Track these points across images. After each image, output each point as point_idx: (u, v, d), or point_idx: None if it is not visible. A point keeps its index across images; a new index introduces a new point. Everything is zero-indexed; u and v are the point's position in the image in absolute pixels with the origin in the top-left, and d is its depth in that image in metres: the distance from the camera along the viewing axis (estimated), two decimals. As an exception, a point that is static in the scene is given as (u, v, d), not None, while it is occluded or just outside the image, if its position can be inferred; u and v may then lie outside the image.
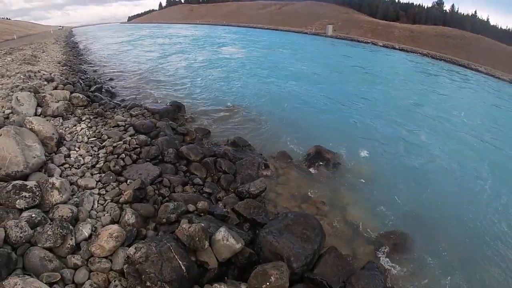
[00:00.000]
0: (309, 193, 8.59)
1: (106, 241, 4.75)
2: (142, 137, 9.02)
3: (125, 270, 4.48)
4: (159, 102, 14.52)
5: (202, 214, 6.37)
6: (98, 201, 6.14)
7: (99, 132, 9.22)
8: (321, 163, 10.21)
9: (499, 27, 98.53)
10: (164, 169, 7.95)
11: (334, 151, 11.04)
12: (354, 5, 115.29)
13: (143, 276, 4.31)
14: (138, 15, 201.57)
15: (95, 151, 8.05)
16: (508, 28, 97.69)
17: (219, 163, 8.80)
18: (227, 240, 5.14)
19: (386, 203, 8.67)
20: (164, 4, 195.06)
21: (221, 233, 5.20)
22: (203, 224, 5.19)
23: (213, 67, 25.91)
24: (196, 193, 7.33)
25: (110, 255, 4.79)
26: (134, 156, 8.04)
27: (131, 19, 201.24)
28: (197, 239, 4.90)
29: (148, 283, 4.28)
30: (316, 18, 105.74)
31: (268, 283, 4.68)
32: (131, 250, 4.54)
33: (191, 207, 6.35)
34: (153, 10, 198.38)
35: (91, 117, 10.42)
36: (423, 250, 7.13)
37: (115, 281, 4.48)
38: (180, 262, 4.57)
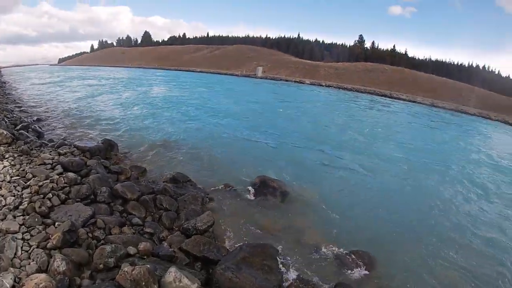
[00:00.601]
0: (260, 223, 8.10)
1: (32, 293, 3.80)
2: (72, 175, 7.97)
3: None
4: (89, 140, 13.42)
5: (145, 256, 5.57)
6: (22, 247, 5.14)
7: (24, 170, 8.10)
8: (267, 192, 9.85)
9: (416, 58, 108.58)
10: (98, 209, 7.00)
11: (279, 179, 10.81)
12: (282, 48, 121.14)
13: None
14: (69, 57, 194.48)
15: (19, 191, 6.97)
16: (424, 58, 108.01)
17: (159, 200, 8.04)
18: (180, 281, 4.47)
19: (338, 224, 8.58)
20: (96, 46, 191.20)
21: (172, 274, 4.52)
22: (148, 266, 4.46)
23: (144, 106, 25.24)
24: (135, 234, 6.49)
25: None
26: (63, 196, 7.03)
27: (61, 61, 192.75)
28: (143, 283, 4.19)
29: None
30: (246, 61, 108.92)
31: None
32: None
33: (131, 250, 5.54)
34: (84, 53, 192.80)
35: (15, 155, 9.25)
36: (386, 265, 7.04)
37: None
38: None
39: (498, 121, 50.50)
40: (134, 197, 7.94)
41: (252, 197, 9.62)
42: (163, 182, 9.65)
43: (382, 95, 63.40)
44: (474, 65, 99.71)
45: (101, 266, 4.89)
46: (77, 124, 17.09)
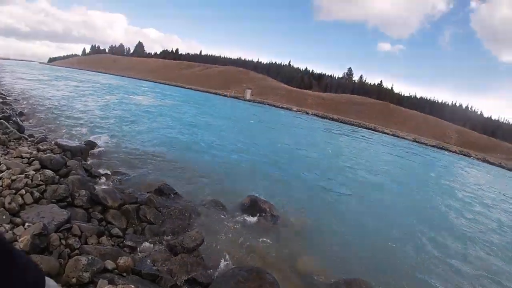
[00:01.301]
0: (252, 246, 7.38)
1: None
2: (49, 173, 7.11)
3: None
4: (71, 140, 12.63)
5: (124, 273, 4.82)
6: (-17, 246, 4.31)
7: None
8: (258, 214, 9.18)
9: (402, 94, 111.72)
10: (74, 214, 6.18)
11: (268, 201, 10.19)
12: (272, 73, 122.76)
13: None
14: (60, 58, 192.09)
15: None
16: (410, 94, 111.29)
17: (143, 211, 7.26)
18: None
19: (331, 250, 8.18)
20: (88, 50, 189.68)
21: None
22: (132, 286, 3.75)
23: (131, 114, 24.68)
24: (115, 247, 5.72)
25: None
26: (37, 194, 6.19)
27: (51, 60, 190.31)
28: (124, 307, 3.43)
29: None
30: (236, 82, 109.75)
31: None
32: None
33: (110, 264, 4.78)
34: (76, 55, 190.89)
35: None
36: None
37: None
38: None
39: (479, 159, 51.77)
40: (116, 205, 7.13)
41: (242, 217, 8.91)
42: (148, 192, 8.87)
43: (366, 128, 64.39)
44: (458, 104, 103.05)
45: (74, 280, 4.11)
46: (61, 123, 16.39)
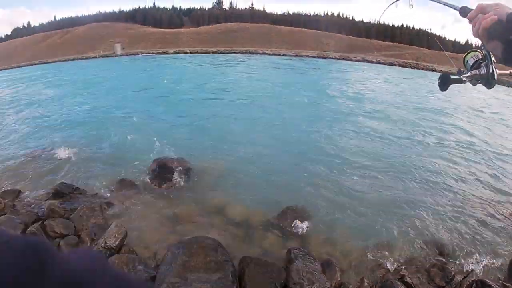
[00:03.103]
0: (176, 213, 7.15)
1: None
2: None
3: None
4: None
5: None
6: None
7: None
8: (170, 175, 8.77)
9: (275, 13, 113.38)
10: None
11: (177, 156, 9.78)
12: (138, 20, 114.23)
13: None
14: None
15: None
16: (283, 12, 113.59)
17: (50, 226, 6.35)
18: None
19: (255, 187, 8.41)
20: None
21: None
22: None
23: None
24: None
25: None
26: None
27: None
28: None
29: None
30: (102, 40, 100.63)
31: None
32: None
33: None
34: None
35: None
36: (318, 212, 7.20)
37: None
38: None
39: (358, 61, 56.18)
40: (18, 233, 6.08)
41: (155, 186, 8.47)
42: (46, 200, 7.76)
43: (249, 53, 64.79)
44: (330, 14, 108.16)
45: None
46: None
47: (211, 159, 10.18)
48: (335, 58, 58.69)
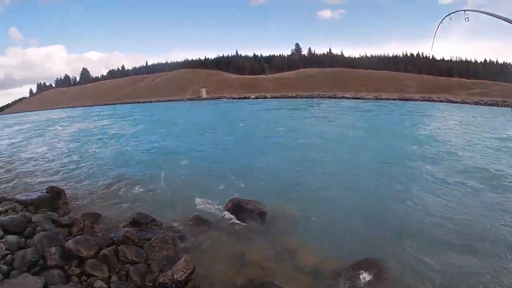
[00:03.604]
0: (247, 255, 6.93)
1: None
2: (12, 238, 6.33)
3: None
4: (32, 191, 11.63)
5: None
6: None
7: None
8: (245, 216, 8.72)
9: (353, 57, 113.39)
10: (50, 278, 5.50)
11: (252, 198, 9.72)
12: (222, 67, 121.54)
13: None
14: (8, 105, 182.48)
15: None
16: (360, 55, 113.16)
17: (122, 252, 6.59)
18: None
19: (328, 235, 7.86)
20: (35, 90, 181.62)
21: None
22: None
23: (84, 146, 23.23)
24: (102, 303, 5.15)
25: None
26: (5, 268, 5.46)
27: (1, 110, 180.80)
28: None
29: None
30: (189, 84, 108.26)
31: None
32: None
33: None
34: (24, 98, 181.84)
35: None
36: (399, 268, 6.40)
37: None
38: None
39: (441, 101, 53.25)
40: (92, 254, 6.44)
41: (229, 225, 8.43)
42: (123, 227, 8.19)
43: (327, 97, 64.88)
44: (409, 54, 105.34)
45: None
46: (17, 175, 15.04)
47: (286, 203, 9.97)
48: (417, 99, 56.20)
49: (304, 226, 8.40)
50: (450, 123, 29.20)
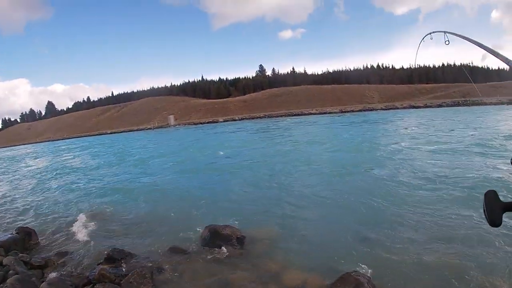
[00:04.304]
0: (228, 280, 6.76)
1: None
2: None
3: None
4: (2, 232, 11.08)
5: None
6: None
7: None
8: (222, 242, 8.46)
9: (316, 74, 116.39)
10: None
11: (227, 224, 9.52)
12: (189, 93, 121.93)
13: None
14: None
15: None
16: (323, 71, 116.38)
17: (99, 291, 6.25)
18: None
19: (312, 255, 7.72)
20: None
21: None
22: None
23: (51, 181, 22.61)
24: None
25: None
26: None
27: None
28: None
29: None
30: (157, 112, 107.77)
31: None
32: None
33: None
34: None
35: None
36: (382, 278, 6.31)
37: None
38: None
39: (405, 108, 55.13)
40: (67, 297, 6.10)
41: (207, 253, 8.18)
42: (98, 264, 7.77)
43: (294, 115, 65.92)
44: (369, 66, 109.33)
45: None
46: None
47: (262, 225, 9.87)
48: (381, 109, 57.97)
49: (284, 247, 8.28)
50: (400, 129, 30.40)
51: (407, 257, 6.95)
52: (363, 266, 6.66)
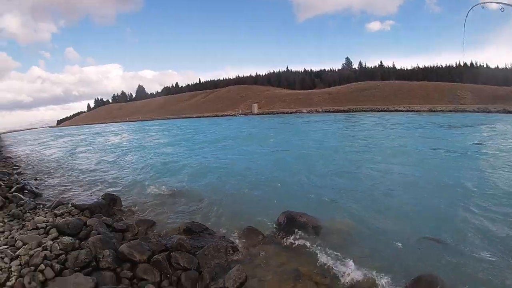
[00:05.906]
0: (298, 268, 6.62)
1: None
2: (67, 239, 6.70)
3: None
4: (89, 197, 12.29)
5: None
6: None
7: (13, 237, 6.89)
8: (297, 229, 8.40)
9: (405, 69, 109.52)
10: (101, 279, 5.70)
11: (305, 212, 9.32)
12: (273, 82, 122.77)
13: None
14: (67, 118, 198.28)
15: (6, 263, 5.71)
16: (412, 67, 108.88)
17: (175, 258, 6.59)
18: None
19: (386, 251, 7.32)
20: (92, 105, 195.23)
21: None
22: None
23: (141, 156, 24.50)
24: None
25: None
26: (57, 266, 5.75)
27: (60, 122, 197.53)
28: None
29: None
30: (241, 100, 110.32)
31: None
32: None
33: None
34: (82, 112, 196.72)
35: (6, 220, 8.20)
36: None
37: None
38: None
39: (499, 112, 49.71)
40: (144, 258, 6.60)
41: (281, 238, 8.18)
42: (177, 234, 8.31)
43: (380, 111, 63.10)
44: (462, 64, 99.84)
45: None
46: (76, 182, 16.21)
47: (339, 217, 9.51)
48: (473, 111, 52.82)
49: (359, 242, 7.93)
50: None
51: (491, 272, 6.20)
52: (439, 270, 6.16)
